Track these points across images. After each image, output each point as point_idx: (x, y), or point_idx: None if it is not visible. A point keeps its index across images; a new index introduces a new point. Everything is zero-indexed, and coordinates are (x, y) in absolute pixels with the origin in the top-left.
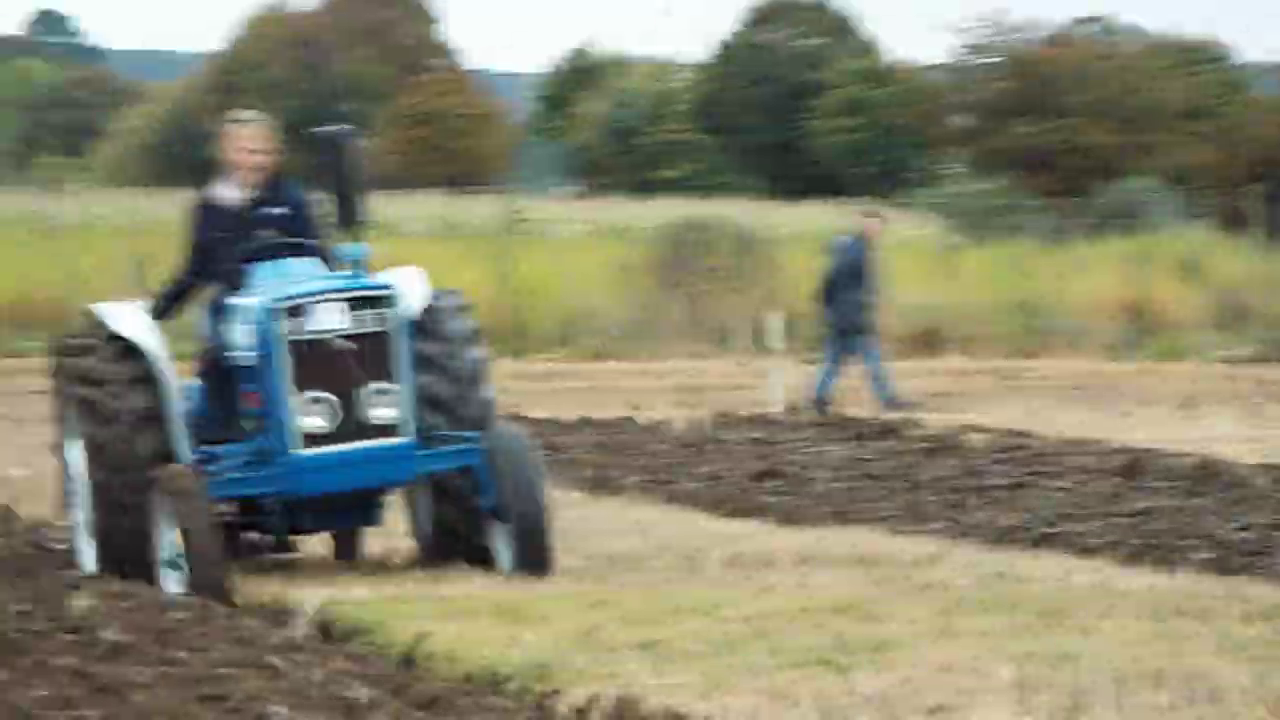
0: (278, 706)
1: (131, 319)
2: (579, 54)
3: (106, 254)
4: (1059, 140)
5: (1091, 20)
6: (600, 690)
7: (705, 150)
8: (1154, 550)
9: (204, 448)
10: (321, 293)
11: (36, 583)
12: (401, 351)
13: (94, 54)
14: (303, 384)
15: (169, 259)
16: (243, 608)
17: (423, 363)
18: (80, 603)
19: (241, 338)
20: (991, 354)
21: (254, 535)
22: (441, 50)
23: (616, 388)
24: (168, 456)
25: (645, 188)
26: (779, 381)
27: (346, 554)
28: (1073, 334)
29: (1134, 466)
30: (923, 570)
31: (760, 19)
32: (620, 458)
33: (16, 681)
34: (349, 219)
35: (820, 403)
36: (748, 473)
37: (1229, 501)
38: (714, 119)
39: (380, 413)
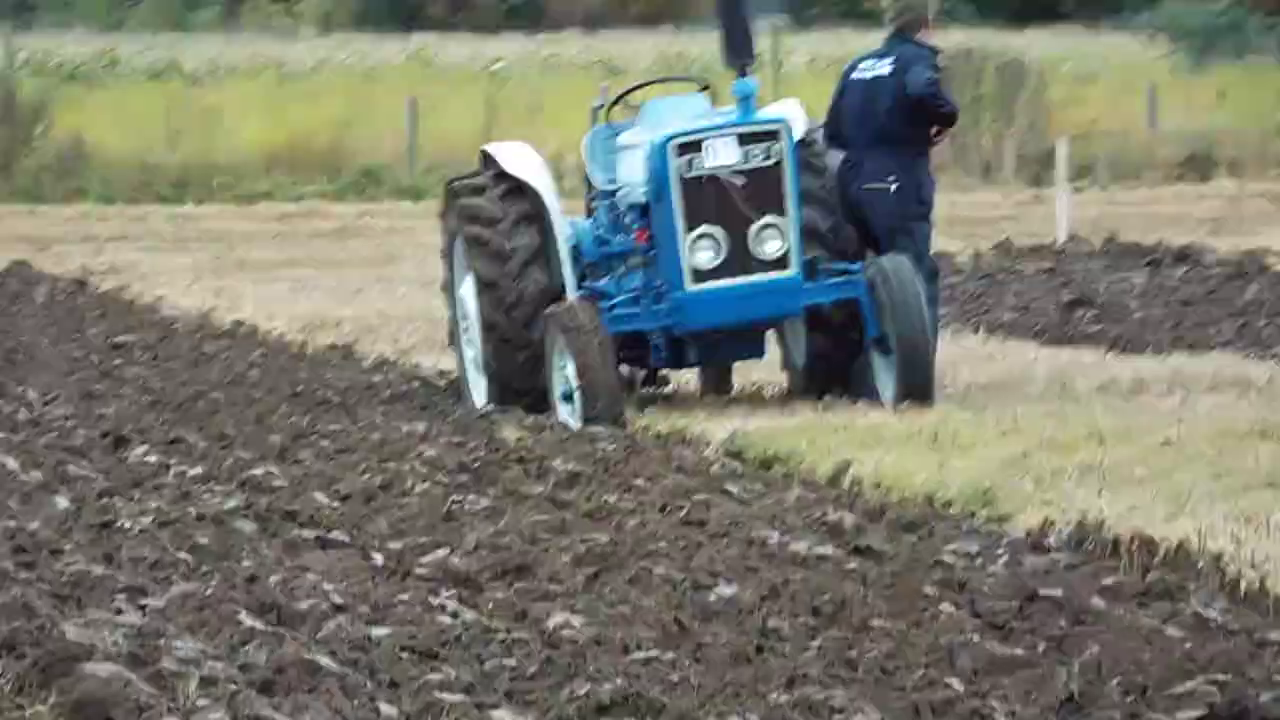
0: (766, 530)
1: (521, 158)
2: None
3: (355, 98)
4: None
5: None
6: (1050, 514)
7: None
8: None
9: (589, 284)
10: (714, 129)
11: (446, 416)
12: (790, 185)
13: None
14: (693, 220)
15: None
16: (654, 437)
17: (801, 195)
18: (508, 433)
19: (632, 174)
20: (1262, 178)
21: (626, 369)
22: None
23: None
24: (556, 293)
25: (857, 16)
26: (1064, 210)
27: (717, 388)
28: None
29: None
30: None
31: None
32: None
33: (526, 508)
34: (738, 53)
35: None
36: (1056, 302)
37: None
38: None
39: (769, 247)
